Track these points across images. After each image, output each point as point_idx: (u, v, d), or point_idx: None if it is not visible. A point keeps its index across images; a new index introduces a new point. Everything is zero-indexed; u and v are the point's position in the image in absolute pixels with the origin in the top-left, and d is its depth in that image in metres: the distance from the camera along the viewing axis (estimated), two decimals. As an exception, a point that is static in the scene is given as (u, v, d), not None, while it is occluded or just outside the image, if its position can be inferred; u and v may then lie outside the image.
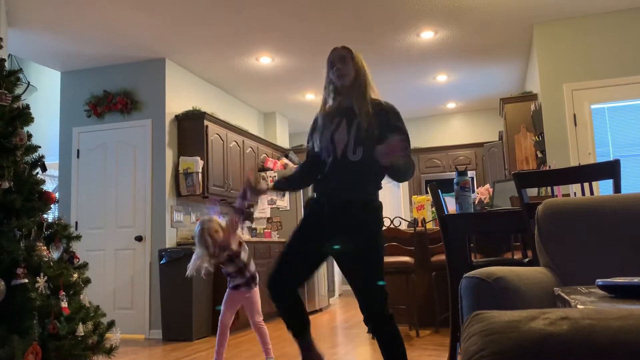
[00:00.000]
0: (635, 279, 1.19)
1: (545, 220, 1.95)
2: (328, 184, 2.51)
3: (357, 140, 2.42)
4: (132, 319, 5.63)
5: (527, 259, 3.23)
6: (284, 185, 2.81)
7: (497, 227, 3.08)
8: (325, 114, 2.57)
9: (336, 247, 2.47)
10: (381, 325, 2.45)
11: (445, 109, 8.72)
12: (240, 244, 3.79)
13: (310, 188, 2.67)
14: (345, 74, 2.50)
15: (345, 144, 2.44)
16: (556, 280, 1.79)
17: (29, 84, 6.21)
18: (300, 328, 2.55)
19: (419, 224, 5.06)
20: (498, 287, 1.57)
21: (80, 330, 2.53)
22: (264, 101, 7.77)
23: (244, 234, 3.88)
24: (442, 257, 4.60)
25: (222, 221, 3.81)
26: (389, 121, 2.47)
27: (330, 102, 2.58)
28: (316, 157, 2.58)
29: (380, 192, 2.60)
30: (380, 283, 2.43)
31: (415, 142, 9.06)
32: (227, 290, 3.83)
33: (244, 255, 3.75)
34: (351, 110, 2.48)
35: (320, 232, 2.50)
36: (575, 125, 5.12)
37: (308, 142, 2.71)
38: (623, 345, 0.66)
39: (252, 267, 3.81)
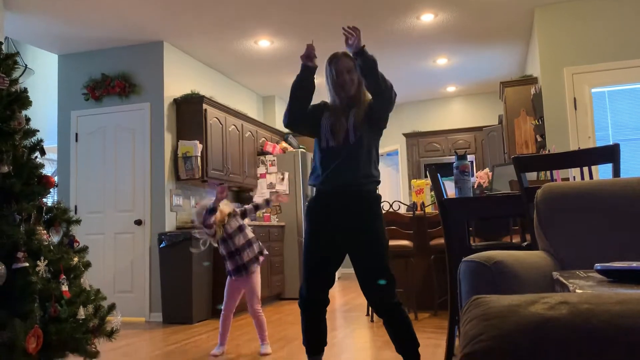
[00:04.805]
0: (634, 264, 1.20)
1: (544, 205, 1.96)
2: (330, 172, 2.63)
3: (355, 126, 2.61)
4: (133, 302, 5.67)
5: (525, 243, 3.25)
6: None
7: (497, 212, 3.09)
8: (330, 109, 2.73)
9: (345, 235, 2.61)
10: (391, 312, 2.57)
11: (445, 92, 8.68)
12: (240, 227, 3.81)
13: (309, 187, 2.77)
14: (352, 85, 2.66)
15: (345, 130, 2.62)
16: (555, 264, 1.80)
17: (26, 67, 6.17)
18: (318, 346, 2.69)
19: (418, 208, 5.07)
20: (497, 271, 1.58)
21: (81, 313, 2.55)
22: (263, 84, 7.73)
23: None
24: (441, 240, 4.62)
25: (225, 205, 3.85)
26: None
27: (332, 102, 2.73)
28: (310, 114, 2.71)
29: (379, 176, 2.70)
30: (381, 282, 2.57)
31: (415, 125, 9.05)
32: (227, 278, 3.89)
33: (238, 240, 3.77)
34: (350, 107, 2.67)
35: (330, 231, 2.63)
36: (576, 109, 5.11)
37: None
38: (622, 329, 0.66)
39: (248, 254, 3.79)
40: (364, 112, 2.62)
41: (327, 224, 2.63)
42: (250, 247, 3.81)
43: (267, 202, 4.00)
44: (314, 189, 2.75)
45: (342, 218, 2.60)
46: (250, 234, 3.87)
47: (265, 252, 3.92)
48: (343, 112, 2.66)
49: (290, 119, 2.68)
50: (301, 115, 2.67)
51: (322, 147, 2.66)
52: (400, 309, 2.57)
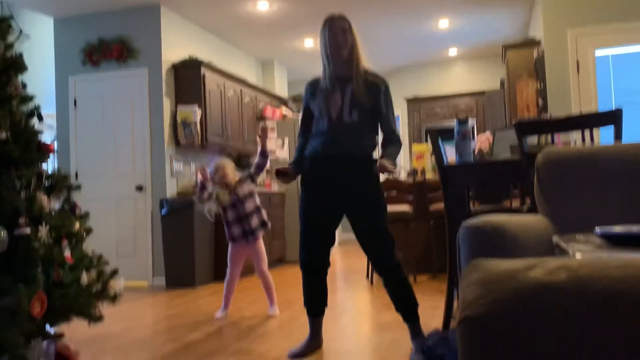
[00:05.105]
0: (634, 228, 1.20)
1: (545, 169, 1.95)
2: (325, 140, 2.62)
3: (352, 104, 2.57)
4: (136, 266, 5.71)
5: (525, 207, 3.25)
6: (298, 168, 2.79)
7: (498, 179, 3.08)
8: (322, 81, 2.67)
9: (344, 198, 2.62)
10: (391, 273, 2.62)
11: (447, 56, 8.57)
12: (251, 193, 3.84)
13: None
14: (345, 46, 2.59)
15: (340, 108, 2.58)
16: (555, 228, 1.81)
17: (21, 31, 6.06)
18: (318, 307, 2.74)
19: (419, 174, 5.07)
20: (496, 235, 1.58)
21: (84, 278, 2.57)
22: (262, 48, 7.62)
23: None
24: (441, 205, 4.62)
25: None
26: (382, 97, 2.64)
27: (327, 70, 2.65)
28: (311, 122, 2.71)
29: (376, 141, 2.72)
30: (381, 243, 2.62)
31: (416, 89, 8.96)
32: (229, 245, 3.90)
33: (249, 205, 3.79)
34: (345, 78, 2.61)
35: (327, 194, 2.63)
36: (578, 72, 5.04)
37: (304, 107, 2.79)
38: (622, 294, 0.66)
39: (255, 220, 3.82)
40: (363, 90, 2.56)
41: (324, 187, 2.64)
42: (258, 213, 3.84)
43: (262, 152, 3.76)
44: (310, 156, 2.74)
45: (341, 182, 2.61)
46: (258, 201, 3.90)
47: (269, 224, 3.92)
48: (338, 84, 2.61)
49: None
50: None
51: (318, 123, 2.65)
52: (400, 269, 2.63)
